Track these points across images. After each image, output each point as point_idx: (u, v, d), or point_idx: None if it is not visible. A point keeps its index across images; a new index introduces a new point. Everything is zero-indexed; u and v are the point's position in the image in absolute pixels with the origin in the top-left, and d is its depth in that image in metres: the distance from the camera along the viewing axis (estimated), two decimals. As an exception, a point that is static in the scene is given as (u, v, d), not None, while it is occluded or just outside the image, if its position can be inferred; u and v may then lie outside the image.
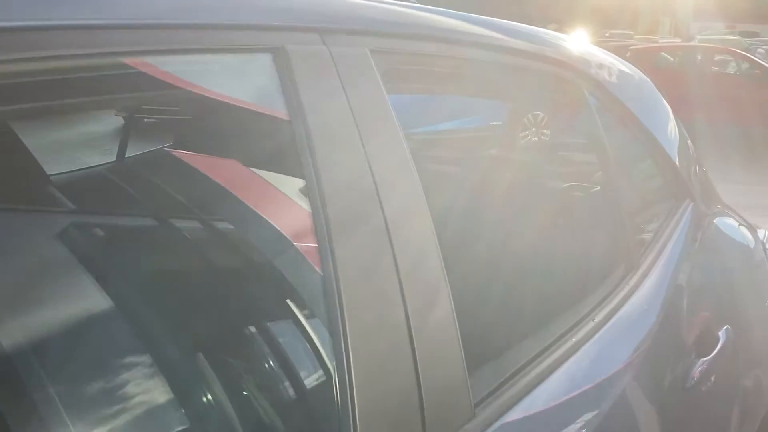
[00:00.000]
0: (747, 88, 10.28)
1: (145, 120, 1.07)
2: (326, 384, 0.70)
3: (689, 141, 1.69)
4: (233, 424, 0.72)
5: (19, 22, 0.54)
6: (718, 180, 2.01)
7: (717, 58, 11.58)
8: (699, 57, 11.86)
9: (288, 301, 0.76)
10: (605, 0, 27.78)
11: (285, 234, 0.74)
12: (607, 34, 19.18)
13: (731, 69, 11.08)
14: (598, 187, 1.53)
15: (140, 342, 0.74)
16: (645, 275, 1.21)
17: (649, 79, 1.64)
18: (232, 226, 0.85)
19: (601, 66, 1.39)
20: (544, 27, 1.56)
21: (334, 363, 0.68)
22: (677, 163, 1.54)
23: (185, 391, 0.72)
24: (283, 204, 0.76)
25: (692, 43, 15.12)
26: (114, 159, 1.07)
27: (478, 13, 1.13)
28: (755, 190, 6.75)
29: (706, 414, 1.30)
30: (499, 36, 1.12)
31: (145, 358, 0.72)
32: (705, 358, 1.24)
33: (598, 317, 1.06)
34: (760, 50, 15.41)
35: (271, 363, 0.76)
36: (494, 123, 4.47)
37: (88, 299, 0.73)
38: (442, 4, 1.10)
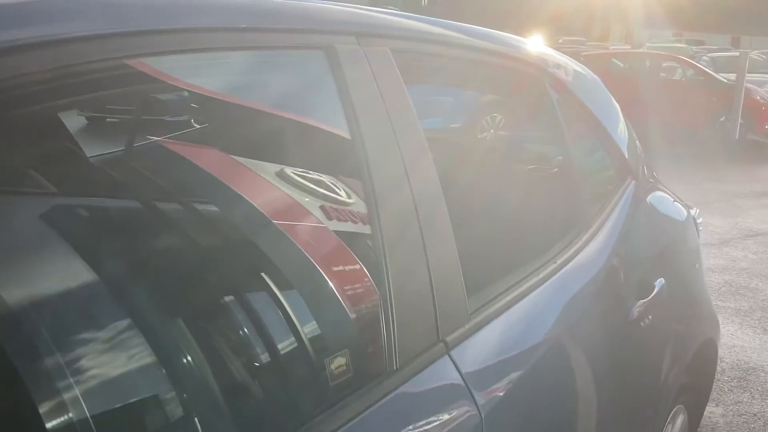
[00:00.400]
0: (692, 93, 10.86)
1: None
2: (375, 301, 0.97)
3: (633, 132, 2.01)
4: (313, 332, 0.96)
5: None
6: (669, 179, 2.34)
7: (665, 64, 12.18)
8: (647, 63, 12.45)
9: (349, 248, 1.02)
10: (559, 7, 28.57)
11: (345, 198, 1.01)
12: (560, 41, 19.78)
13: (678, 75, 11.66)
14: (556, 169, 1.84)
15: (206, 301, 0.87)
16: (595, 233, 1.52)
17: (598, 79, 1.95)
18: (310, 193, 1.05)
19: (559, 66, 1.70)
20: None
21: (380, 291, 0.96)
22: (623, 148, 1.86)
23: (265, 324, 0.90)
24: (341, 170, 1.03)
25: (641, 50, 15.77)
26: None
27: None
28: (702, 187, 7.23)
29: (644, 346, 1.61)
30: (481, 40, 1.41)
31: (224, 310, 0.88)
32: (643, 300, 1.55)
33: (559, 260, 1.36)
34: (705, 58, 16.11)
35: (335, 293, 1.00)
36: (454, 125, 4.80)
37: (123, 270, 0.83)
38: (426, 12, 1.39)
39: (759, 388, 3.06)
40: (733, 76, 10.67)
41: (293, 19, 0.99)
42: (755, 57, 14.85)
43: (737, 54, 12.43)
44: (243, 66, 0.95)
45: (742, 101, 10.18)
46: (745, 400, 2.96)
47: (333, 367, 0.88)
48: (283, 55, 0.98)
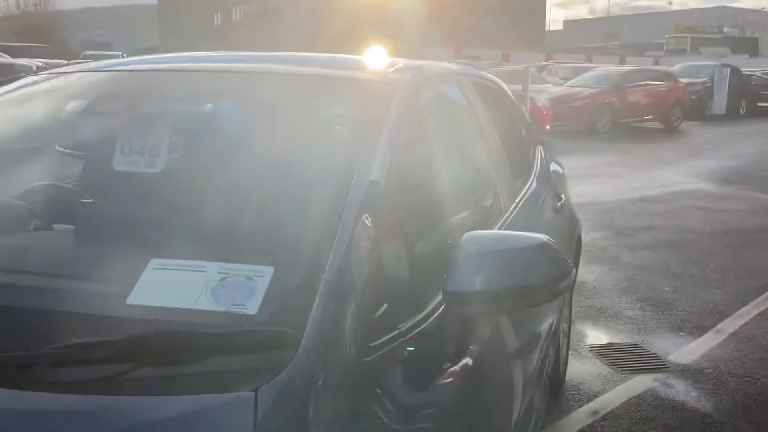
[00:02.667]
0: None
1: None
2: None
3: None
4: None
5: None
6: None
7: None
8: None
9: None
10: (339, 28, 30.83)
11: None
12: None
13: (476, 87, 13.94)
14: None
15: None
16: (532, 179, 2.97)
17: (499, 81, 3.45)
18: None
19: (479, 75, 3.15)
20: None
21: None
22: (524, 132, 3.37)
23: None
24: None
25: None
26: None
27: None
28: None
29: (558, 226, 3.10)
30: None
31: None
32: (559, 202, 3.06)
33: (526, 187, 2.78)
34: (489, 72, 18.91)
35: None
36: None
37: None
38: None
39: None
40: (517, 86, 13.15)
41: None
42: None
43: (521, 68, 15.00)
44: None
45: (528, 107, 12.63)
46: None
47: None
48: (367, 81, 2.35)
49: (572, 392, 3.51)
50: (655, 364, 3.85)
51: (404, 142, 1.61)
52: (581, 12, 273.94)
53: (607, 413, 3.29)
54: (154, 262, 1.22)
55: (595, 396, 3.46)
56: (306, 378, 1.02)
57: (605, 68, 20.63)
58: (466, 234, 1.43)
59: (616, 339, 4.22)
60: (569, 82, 18.69)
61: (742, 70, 23.15)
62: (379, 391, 1.18)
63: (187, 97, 1.95)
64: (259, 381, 0.98)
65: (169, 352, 1.05)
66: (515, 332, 1.92)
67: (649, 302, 4.84)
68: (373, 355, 1.16)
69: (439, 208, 1.74)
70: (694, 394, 3.50)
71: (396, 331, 1.24)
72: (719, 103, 21.17)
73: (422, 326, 1.33)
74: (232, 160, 1.63)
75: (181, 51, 2.67)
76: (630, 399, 3.42)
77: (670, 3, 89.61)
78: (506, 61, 29.54)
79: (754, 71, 24.20)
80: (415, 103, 1.82)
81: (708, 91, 21.14)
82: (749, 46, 60.10)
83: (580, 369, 3.76)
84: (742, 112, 21.90)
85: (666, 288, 5.16)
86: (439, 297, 1.38)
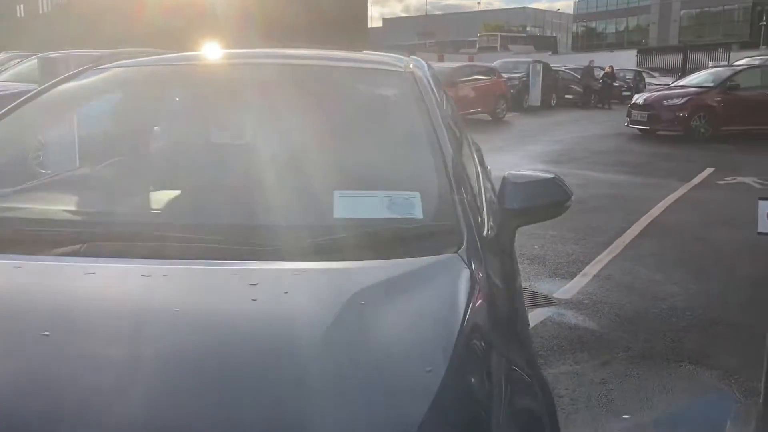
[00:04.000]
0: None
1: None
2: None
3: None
4: None
5: None
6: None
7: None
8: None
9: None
10: (155, 20, 30.05)
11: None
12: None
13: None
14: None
15: None
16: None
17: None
18: None
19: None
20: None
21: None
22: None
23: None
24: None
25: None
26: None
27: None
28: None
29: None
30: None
31: None
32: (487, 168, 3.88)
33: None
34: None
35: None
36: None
37: None
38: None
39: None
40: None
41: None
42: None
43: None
44: None
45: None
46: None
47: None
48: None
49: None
50: (545, 301, 4.83)
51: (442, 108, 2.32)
52: (396, 9, 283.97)
53: (522, 336, 4.20)
54: (337, 193, 1.82)
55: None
56: (474, 246, 1.68)
57: (437, 65, 22.25)
58: (508, 173, 2.15)
59: (510, 286, 5.18)
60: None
61: (552, 66, 25.98)
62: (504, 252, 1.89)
63: (260, 83, 2.47)
64: (453, 249, 1.63)
65: (392, 239, 1.67)
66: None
67: (525, 258, 5.85)
68: (493, 233, 1.86)
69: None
70: (580, 317, 4.51)
71: (490, 223, 1.94)
72: (535, 95, 23.63)
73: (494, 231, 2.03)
74: (340, 128, 2.23)
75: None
76: (536, 324, 4.34)
77: (478, 3, 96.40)
78: (441, 61, 30.59)
79: (560, 67, 27.18)
80: (432, 85, 2.52)
81: (525, 85, 23.50)
82: (550, 44, 66.49)
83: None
84: (553, 104, 24.57)
85: (535, 246, 6.23)
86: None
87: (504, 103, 20.30)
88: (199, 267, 1.53)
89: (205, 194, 1.96)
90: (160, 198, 2.06)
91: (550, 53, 52.22)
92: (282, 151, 2.14)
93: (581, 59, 35.23)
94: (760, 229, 3.02)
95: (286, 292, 1.45)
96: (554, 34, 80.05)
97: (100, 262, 1.54)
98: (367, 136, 2.22)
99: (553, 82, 24.75)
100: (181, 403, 1.10)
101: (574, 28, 78.31)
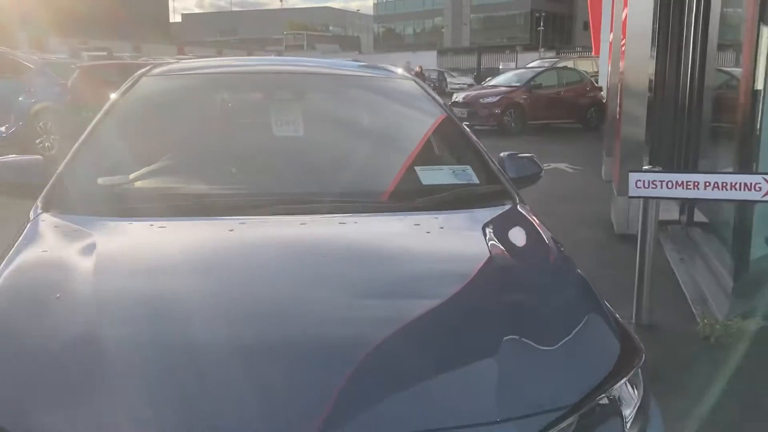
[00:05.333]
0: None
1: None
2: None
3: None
4: None
5: None
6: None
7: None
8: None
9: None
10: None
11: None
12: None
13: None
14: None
15: None
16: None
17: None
18: None
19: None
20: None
21: None
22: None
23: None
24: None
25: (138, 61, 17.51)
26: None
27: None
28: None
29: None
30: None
31: None
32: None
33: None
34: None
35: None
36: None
37: None
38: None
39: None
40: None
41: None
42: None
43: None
44: None
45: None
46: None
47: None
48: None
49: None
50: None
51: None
52: (189, 4, 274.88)
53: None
54: (418, 168, 2.54)
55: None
56: (522, 200, 2.50)
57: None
58: (503, 153, 2.99)
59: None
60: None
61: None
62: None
63: (305, 89, 3.10)
64: (511, 203, 2.44)
65: (472, 196, 2.44)
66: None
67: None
68: None
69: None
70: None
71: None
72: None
73: None
74: (385, 119, 2.96)
75: None
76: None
77: (281, 1, 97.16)
78: (139, 53, 29.47)
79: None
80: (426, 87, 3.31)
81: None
82: (355, 44, 69.04)
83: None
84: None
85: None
86: None
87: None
88: (371, 216, 2.21)
89: (325, 170, 2.61)
90: (283, 174, 2.61)
91: (358, 53, 54.32)
92: (350, 141, 2.84)
93: (386, 59, 37.37)
94: (631, 194, 4.15)
95: (442, 227, 2.19)
96: (356, 35, 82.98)
97: (275, 219, 2.15)
98: (410, 125, 2.97)
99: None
100: (381, 310, 1.68)
101: (375, 28, 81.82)
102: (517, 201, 2.47)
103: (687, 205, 6.29)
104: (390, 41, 76.02)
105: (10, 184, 2.55)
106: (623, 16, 6.90)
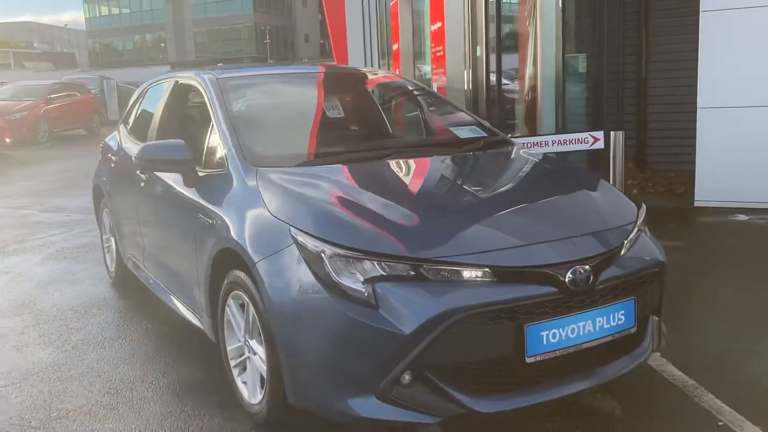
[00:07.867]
0: None
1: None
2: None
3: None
4: None
5: None
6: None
7: None
8: None
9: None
10: None
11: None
12: None
13: None
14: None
15: None
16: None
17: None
18: None
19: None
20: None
21: None
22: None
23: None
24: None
25: None
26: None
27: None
28: None
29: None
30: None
31: None
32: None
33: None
34: None
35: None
36: None
37: None
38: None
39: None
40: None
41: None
42: None
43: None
44: None
45: None
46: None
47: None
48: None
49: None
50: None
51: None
52: None
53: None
54: (459, 130, 4.02)
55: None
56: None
57: (33, 83, 21.12)
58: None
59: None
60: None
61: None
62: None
63: (337, 84, 4.37)
64: (513, 145, 4.03)
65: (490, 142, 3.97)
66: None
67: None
68: None
69: None
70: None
71: None
72: (113, 108, 24.35)
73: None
74: (406, 102, 4.36)
75: None
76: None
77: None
78: None
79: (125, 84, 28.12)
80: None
81: (102, 100, 24.04)
82: (69, 61, 64.52)
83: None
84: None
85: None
86: None
87: (98, 117, 20.85)
88: (455, 155, 3.63)
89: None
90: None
91: (79, 70, 51.19)
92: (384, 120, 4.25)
93: (113, 74, 35.59)
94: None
95: (497, 157, 3.71)
96: (67, 51, 77.44)
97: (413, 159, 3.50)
98: (432, 103, 4.45)
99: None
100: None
101: (90, 44, 77.01)
102: (515, 144, 4.05)
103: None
104: (109, 57, 72.18)
105: (162, 161, 3.49)
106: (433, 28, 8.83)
